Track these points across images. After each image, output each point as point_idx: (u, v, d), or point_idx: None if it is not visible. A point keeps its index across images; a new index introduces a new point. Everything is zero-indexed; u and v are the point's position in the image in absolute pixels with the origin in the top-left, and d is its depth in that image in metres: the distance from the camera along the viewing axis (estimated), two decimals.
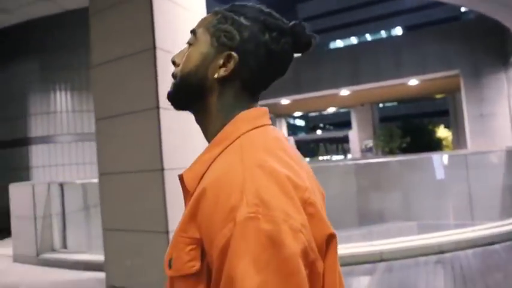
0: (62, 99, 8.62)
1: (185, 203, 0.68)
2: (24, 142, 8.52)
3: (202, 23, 0.75)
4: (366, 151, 17.79)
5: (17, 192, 5.90)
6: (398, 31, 43.21)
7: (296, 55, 0.76)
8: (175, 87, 0.75)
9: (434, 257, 4.62)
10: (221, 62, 0.69)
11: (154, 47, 3.24)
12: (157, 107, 3.18)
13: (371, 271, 4.35)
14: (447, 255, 4.66)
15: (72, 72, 8.57)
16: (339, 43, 43.00)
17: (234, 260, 0.52)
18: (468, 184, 6.78)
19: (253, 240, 0.52)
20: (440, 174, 7.13)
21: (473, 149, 10.43)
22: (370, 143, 18.03)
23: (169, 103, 0.76)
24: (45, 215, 5.62)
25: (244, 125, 0.68)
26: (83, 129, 8.54)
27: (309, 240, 0.56)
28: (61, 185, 5.92)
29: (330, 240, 0.62)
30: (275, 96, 13.58)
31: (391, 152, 16.69)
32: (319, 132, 43.95)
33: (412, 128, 19.16)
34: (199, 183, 0.64)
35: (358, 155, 17.87)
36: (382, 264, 4.49)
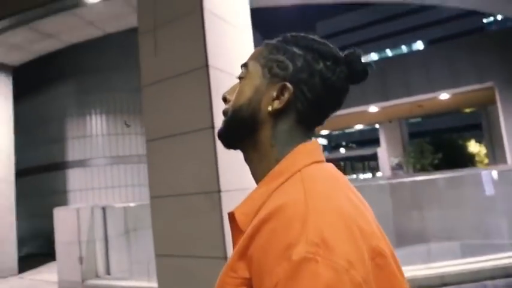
0: (97, 123, 8.73)
1: (234, 242, 0.62)
2: (61, 166, 8.62)
3: (253, 55, 0.71)
4: (396, 169, 17.28)
5: (62, 217, 5.85)
6: (419, 45, 42.92)
7: None
8: (226, 124, 0.70)
9: (503, 281, 4.26)
10: (274, 94, 0.65)
11: (207, 65, 3.15)
12: (212, 127, 3.08)
13: None
14: None
15: (107, 95, 8.70)
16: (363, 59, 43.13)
17: None
18: None
19: (307, 285, 0.46)
20: (490, 190, 6.73)
21: None
22: (398, 160, 17.52)
23: (220, 141, 0.72)
24: (89, 240, 5.55)
25: (305, 159, 0.62)
26: (117, 152, 8.59)
27: None
28: (103, 209, 5.86)
29: None
30: None
31: (423, 169, 16.13)
32: (342, 150, 43.44)
33: (442, 144, 18.56)
34: (252, 220, 0.58)
35: (388, 173, 17.37)
36: None
